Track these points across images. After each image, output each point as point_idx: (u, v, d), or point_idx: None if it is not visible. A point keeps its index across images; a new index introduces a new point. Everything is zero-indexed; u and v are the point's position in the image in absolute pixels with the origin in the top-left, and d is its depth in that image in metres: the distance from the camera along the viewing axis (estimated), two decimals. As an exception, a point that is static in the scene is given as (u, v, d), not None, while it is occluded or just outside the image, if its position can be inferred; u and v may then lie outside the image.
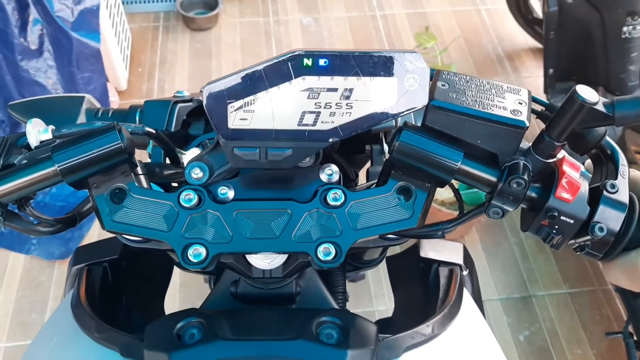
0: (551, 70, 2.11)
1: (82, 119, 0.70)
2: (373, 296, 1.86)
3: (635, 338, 1.56)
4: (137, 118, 0.70)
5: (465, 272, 0.74)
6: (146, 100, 0.70)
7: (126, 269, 0.77)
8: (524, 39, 2.69)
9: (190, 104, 0.69)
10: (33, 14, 1.95)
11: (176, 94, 0.72)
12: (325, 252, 0.54)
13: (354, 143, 0.69)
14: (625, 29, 1.91)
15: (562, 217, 0.51)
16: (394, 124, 0.67)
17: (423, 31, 2.63)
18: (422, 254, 0.75)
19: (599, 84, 2.03)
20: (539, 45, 2.62)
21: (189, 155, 0.65)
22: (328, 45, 2.70)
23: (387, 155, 0.68)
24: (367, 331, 0.56)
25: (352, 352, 0.53)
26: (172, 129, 0.67)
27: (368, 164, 0.72)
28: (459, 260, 0.74)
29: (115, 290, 0.74)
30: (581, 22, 1.97)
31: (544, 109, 0.56)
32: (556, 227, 0.51)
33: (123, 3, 2.53)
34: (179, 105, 0.68)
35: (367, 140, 0.70)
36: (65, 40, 2.00)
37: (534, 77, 2.58)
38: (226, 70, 2.56)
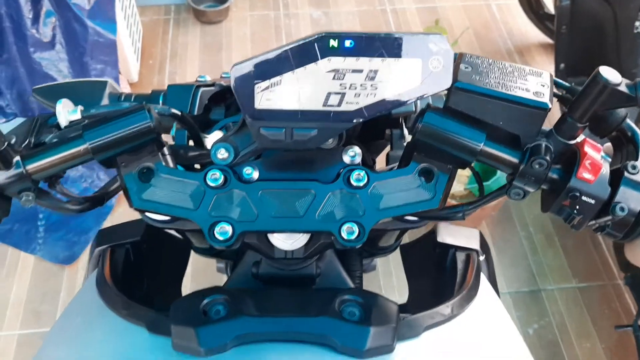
0: (562, 65, 2.10)
1: (105, 102, 0.71)
2: (382, 288, 1.87)
3: (645, 332, 1.56)
4: (160, 102, 0.71)
5: (482, 258, 0.74)
6: (169, 84, 0.70)
7: (147, 252, 0.78)
8: (535, 34, 2.68)
9: (212, 88, 0.70)
10: (46, 5, 1.96)
11: (198, 79, 0.73)
12: (349, 231, 0.55)
13: (375, 128, 0.70)
14: (637, 23, 1.91)
15: (583, 198, 0.51)
16: (414, 109, 0.68)
17: (433, 25, 2.63)
18: (439, 239, 0.76)
19: (610, 79, 2.02)
20: (550, 41, 2.61)
21: (211, 138, 0.65)
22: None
23: (407, 140, 0.68)
24: (388, 310, 0.57)
25: (374, 330, 0.53)
26: (195, 113, 0.68)
27: (386, 150, 0.73)
28: (476, 245, 0.75)
29: (137, 272, 0.75)
30: (593, 16, 1.96)
31: (565, 92, 0.56)
32: (577, 207, 0.52)
33: (134, -4, 2.55)
34: (202, 89, 0.69)
35: (387, 124, 0.70)
36: (81, 28, 2.00)
37: (544, 72, 2.57)
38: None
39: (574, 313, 1.86)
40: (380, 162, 0.76)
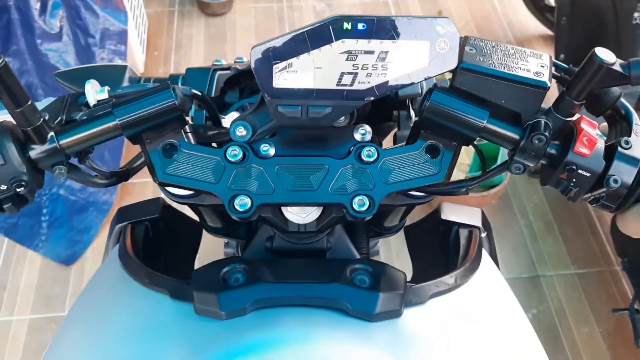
0: (562, 56, 2.14)
1: (125, 85, 0.75)
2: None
3: (641, 315, 1.60)
4: (179, 84, 0.74)
5: (483, 235, 0.78)
6: (188, 68, 0.74)
7: (164, 230, 0.82)
8: (535, 26, 2.72)
9: (229, 72, 0.74)
10: (54, -4, 1.99)
11: (215, 63, 0.76)
12: (360, 203, 0.58)
13: (383, 109, 0.74)
14: (636, 14, 1.94)
15: (579, 171, 0.55)
16: (420, 90, 0.71)
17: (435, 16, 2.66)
18: (443, 216, 0.79)
19: (609, 70, 2.05)
20: (549, 32, 2.64)
21: (228, 119, 0.69)
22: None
23: (413, 120, 0.72)
24: (396, 278, 0.61)
25: (383, 295, 0.57)
26: (212, 95, 0.71)
27: (393, 132, 0.77)
28: (478, 223, 0.79)
29: (155, 248, 0.79)
30: (593, 8, 1.99)
31: (563, 73, 0.60)
32: (574, 180, 0.55)
33: (140, -12, 2.58)
34: (218, 72, 0.73)
35: (395, 106, 0.74)
36: (91, 17, 2.02)
37: (544, 63, 2.60)
38: (240, 55, 2.60)
39: (573, 298, 1.90)
40: (387, 144, 0.80)
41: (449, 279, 0.64)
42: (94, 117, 0.58)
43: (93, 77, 0.66)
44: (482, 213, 0.82)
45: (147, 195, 2.07)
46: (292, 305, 0.58)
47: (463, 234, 0.77)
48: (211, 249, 1.22)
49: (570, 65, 0.59)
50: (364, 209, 0.58)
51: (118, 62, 2.13)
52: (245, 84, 0.78)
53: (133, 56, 2.37)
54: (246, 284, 0.58)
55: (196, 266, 0.95)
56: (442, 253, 0.81)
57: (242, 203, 0.58)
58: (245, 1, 2.85)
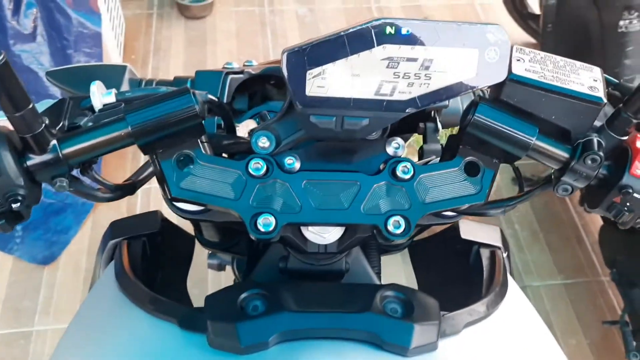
0: (548, 64, 2.12)
1: (125, 87, 0.68)
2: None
3: (631, 327, 1.58)
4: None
5: (505, 255, 0.74)
6: (197, 70, 0.68)
7: (160, 245, 0.75)
8: (518, 34, 2.70)
9: (241, 75, 0.68)
10: (27, -4, 1.92)
11: (226, 65, 0.70)
12: (395, 224, 0.53)
13: (407, 120, 0.69)
14: (621, 23, 1.93)
15: (635, 195, 0.51)
16: (446, 102, 0.66)
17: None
18: (463, 236, 0.74)
19: (594, 78, 2.05)
20: (533, 40, 2.64)
21: (242, 127, 0.63)
22: (324, 36, 2.69)
23: (440, 133, 0.67)
24: (430, 306, 0.55)
25: (419, 326, 0.52)
26: (225, 100, 0.65)
27: (411, 140, 0.71)
28: (498, 242, 0.74)
29: (152, 265, 0.72)
30: (579, 15, 1.98)
31: (612, 87, 0.56)
32: (628, 204, 0.52)
33: (117, -11, 2.50)
34: (231, 76, 0.67)
35: (421, 117, 0.69)
36: (64, 20, 1.95)
37: (528, 71, 2.60)
38: (221, 59, 2.54)
39: (560, 309, 1.88)
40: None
41: (481, 306, 0.59)
42: (102, 124, 0.51)
43: (89, 77, 0.59)
44: (501, 232, 0.78)
45: (133, 196, 1.99)
46: (319, 338, 0.52)
47: (485, 254, 0.72)
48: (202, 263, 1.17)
49: (621, 81, 0.55)
50: (399, 231, 0.53)
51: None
52: (256, 89, 0.73)
53: (109, 59, 2.29)
54: (267, 313, 0.52)
55: (188, 282, 0.88)
56: (459, 272, 0.76)
57: (266, 222, 0.52)
58: (226, 4, 2.79)
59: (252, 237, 0.53)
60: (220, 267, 1.19)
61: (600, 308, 1.88)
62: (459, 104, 0.73)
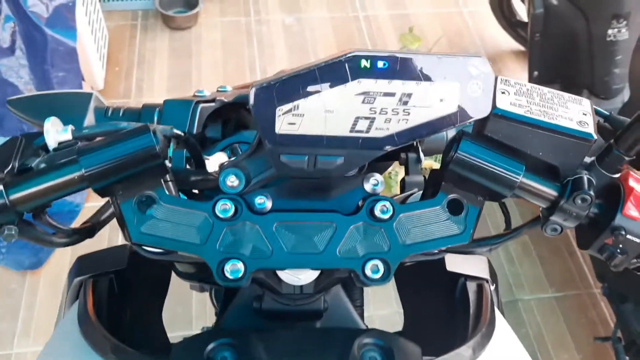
0: (536, 73, 2.10)
1: (90, 117, 0.64)
2: (372, 301, 1.82)
3: (623, 343, 1.55)
4: (155, 118, 0.64)
5: (492, 287, 0.70)
6: (166, 99, 0.64)
7: (130, 279, 0.71)
8: (507, 41, 2.68)
9: (213, 104, 0.64)
10: (5, 10, 1.88)
11: (196, 93, 0.66)
12: (374, 269, 0.49)
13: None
14: (610, 31, 1.91)
15: (628, 236, 0.48)
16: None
17: (407, 32, 2.61)
18: (449, 268, 0.70)
19: (583, 87, 2.02)
20: (522, 48, 2.62)
21: (212, 161, 0.60)
22: (310, 46, 2.66)
23: (423, 164, 0.64)
24: (412, 355, 0.52)
25: None
26: (194, 131, 0.62)
27: (389, 170, 0.68)
28: (486, 274, 0.70)
29: (120, 303, 0.68)
30: (566, 24, 1.96)
31: (603, 120, 0.53)
32: (621, 245, 0.48)
33: (100, 0, 2.46)
34: (201, 105, 0.63)
35: (402, 148, 0.66)
36: (40, 37, 1.93)
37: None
38: (206, 70, 2.51)
39: (551, 323, 1.84)
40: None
41: (467, 350, 0.55)
42: (54, 166, 0.48)
43: (53, 106, 0.55)
44: (489, 262, 0.74)
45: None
46: None
47: (471, 287, 0.68)
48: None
49: (611, 113, 0.52)
50: (377, 275, 0.49)
51: (70, 84, 2.02)
52: (229, 116, 0.69)
53: (91, 72, 2.26)
54: None
55: (171, 300, 0.84)
56: (445, 305, 0.73)
57: (234, 269, 0.49)
58: (211, 15, 2.76)
59: (220, 284, 0.49)
60: (203, 289, 1.15)
61: (592, 321, 1.85)
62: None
